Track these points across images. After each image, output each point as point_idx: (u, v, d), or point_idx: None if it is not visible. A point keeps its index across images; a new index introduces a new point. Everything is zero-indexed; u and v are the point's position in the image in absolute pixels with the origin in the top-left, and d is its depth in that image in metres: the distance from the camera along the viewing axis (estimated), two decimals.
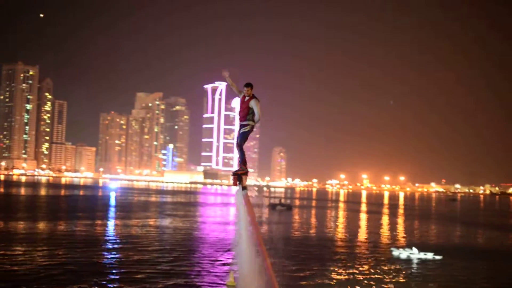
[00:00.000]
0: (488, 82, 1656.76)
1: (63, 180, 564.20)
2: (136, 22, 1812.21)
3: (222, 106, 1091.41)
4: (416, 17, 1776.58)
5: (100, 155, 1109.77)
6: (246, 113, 23.01)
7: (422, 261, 62.66)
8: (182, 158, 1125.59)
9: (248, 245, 23.92)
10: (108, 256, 57.12)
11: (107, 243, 67.49)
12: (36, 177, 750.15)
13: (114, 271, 48.98)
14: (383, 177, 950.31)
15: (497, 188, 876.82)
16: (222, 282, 44.70)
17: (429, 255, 65.12)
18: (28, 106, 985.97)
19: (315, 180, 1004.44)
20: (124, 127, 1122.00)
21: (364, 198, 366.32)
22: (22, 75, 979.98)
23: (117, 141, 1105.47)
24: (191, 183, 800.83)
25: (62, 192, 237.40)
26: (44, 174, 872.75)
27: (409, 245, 73.35)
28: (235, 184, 23.91)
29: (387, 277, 51.64)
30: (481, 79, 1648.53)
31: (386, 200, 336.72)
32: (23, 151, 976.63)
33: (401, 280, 50.90)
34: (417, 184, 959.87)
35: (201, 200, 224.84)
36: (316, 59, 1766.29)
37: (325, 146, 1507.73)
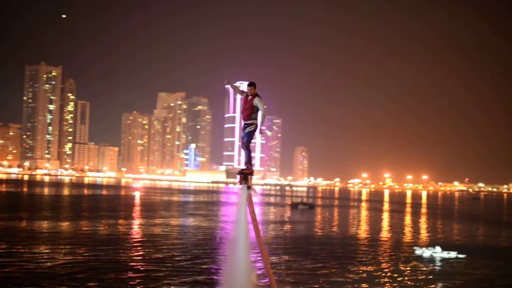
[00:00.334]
0: None
1: (86, 180, 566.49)
2: (159, 24, 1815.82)
3: None
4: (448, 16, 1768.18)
5: (122, 155, 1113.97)
6: (250, 112, 23.06)
7: (445, 260, 62.26)
8: (204, 158, 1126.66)
9: (244, 243, 23.82)
10: (130, 255, 57.23)
11: (130, 242, 67.65)
12: (59, 177, 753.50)
13: (135, 269, 49.07)
14: (406, 176, 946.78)
15: None
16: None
17: (453, 254, 64.69)
18: (51, 107, 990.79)
19: (337, 179, 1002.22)
20: (146, 127, 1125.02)
21: (386, 197, 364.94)
22: (45, 76, 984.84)
23: (139, 141, 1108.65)
24: (213, 182, 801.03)
25: (85, 191, 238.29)
26: (67, 174, 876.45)
27: (432, 244, 72.96)
28: (240, 183, 23.84)
29: (409, 276, 51.35)
30: (506, 77, 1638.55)
31: (408, 199, 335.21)
32: (46, 151, 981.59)
33: (424, 279, 50.58)
34: (440, 183, 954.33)
35: (223, 199, 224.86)
36: (338, 60, 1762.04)
37: (348, 145, 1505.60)
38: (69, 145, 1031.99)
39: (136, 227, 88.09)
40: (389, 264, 57.73)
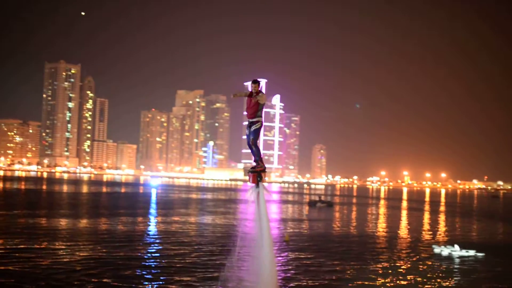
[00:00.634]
0: None
1: (104, 178, 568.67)
2: (177, 21, 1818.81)
3: None
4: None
5: (141, 152, 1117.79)
6: (256, 110, 23.21)
7: (464, 258, 62.03)
8: (223, 155, 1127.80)
9: (267, 241, 24.08)
10: (148, 252, 57.41)
11: (147, 239, 67.88)
12: (78, 174, 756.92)
13: (152, 265, 49.23)
14: (424, 174, 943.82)
15: None
16: None
17: (471, 253, 64.41)
18: (70, 104, 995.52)
19: (355, 177, 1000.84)
20: (165, 124, 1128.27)
21: (405, 195, 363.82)
22: (64, 73, 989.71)
23: (158, 139, 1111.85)
24: (231, 180, 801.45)
25: (104, 189, 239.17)
26: (86, 172, 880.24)
27: (450, 242, 72.64)
28: (254, 182, 23.96)
29: (427, 274, 51.20)
30: None
31: (427, 197, 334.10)
32: (65, 149, 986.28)
33: (442, 277, 50.42)
34: (458, 181, 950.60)
35: (242, 197, 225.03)
36: (357, 60, 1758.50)
37: (366, 143, 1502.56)
38: (88, 142, 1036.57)
39: (154, 225, 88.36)
40: (407, 262, 57.59)
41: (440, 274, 51.67)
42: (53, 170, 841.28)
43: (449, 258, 62.17)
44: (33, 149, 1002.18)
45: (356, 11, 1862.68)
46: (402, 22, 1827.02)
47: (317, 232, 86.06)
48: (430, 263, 58.00)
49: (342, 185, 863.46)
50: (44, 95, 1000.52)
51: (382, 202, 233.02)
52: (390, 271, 51.36)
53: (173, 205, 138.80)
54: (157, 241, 66.96)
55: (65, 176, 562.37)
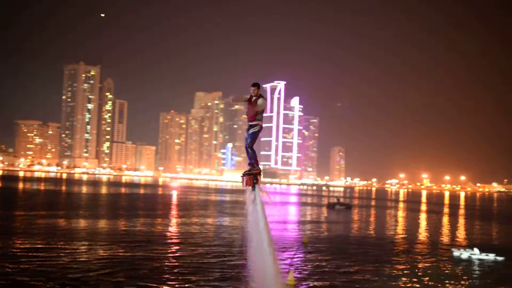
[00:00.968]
0: None
1: (123, 179, 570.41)
2: (195, 22, 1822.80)
3: (281, 105, 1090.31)
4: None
5: (160, 154, 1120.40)
6: (255, 113, 23.07)
7: (483, 262, 61.69)
8: (241, 157, 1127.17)
9: (265, 243, 24.09)
10: (166, 253, 57.52)
11: (166, 240, 67.99)
12: (97, 175, 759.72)
13: (169, 266, 49.29)
14: (444, 177, 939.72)
15: None
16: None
17: (491, 256, 64.06)
18: (90, 106, 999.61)
19: (374, 180, 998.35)
20: (183, 126, 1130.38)
21: (424, 198, 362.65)
22: (83, 75, 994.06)
23: (176, 140, 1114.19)
24: None
25: (123, 190, 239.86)
26: (105, 173, 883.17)
27: (470, 246, 72.36)
28: (250, 184, 23.97)
29: (446, 277, 50.95)
30: None
31: (446, 200, 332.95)
32: (85, 150, 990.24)
33: (461, 280, 50.17)
34: (478, 184, 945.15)
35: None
36: (377, 62, 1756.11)
37: (385, 145, 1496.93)
38: (107, 144, 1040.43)
39: (173, 226, 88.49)
40: (426, 265, 57.37)
41: (459, 277, 51.44)
42: (72, 171, 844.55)
43: (469, 261, 61.88)
44: (53, 150, 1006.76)
45: (374, 21, 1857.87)
46: (424, 30, 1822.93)
47: (335, 234, 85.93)
48: (449, 266, 57.79)
49: (361, 188, 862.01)
50: (64, 97, 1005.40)
51: (401, 204, 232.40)
52: (408, 274, 51.18)
53: (191, 207, 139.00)
54: (175, 242, 67.13)
55: (84, 177, 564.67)
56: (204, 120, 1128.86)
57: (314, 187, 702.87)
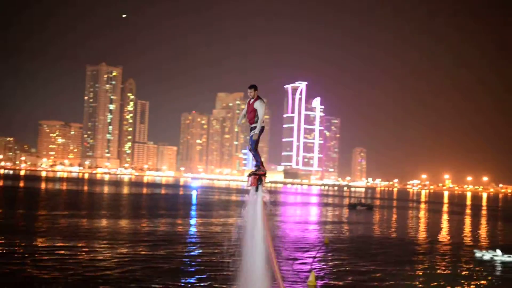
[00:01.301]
0: None
1: (145, 179, 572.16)
2: (217, 22, 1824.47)
3: (302, 105, 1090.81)
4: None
5: (181, 154, 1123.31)
6: (254, 115, 23.03)
7: (506, 263, 61.26)
8: (262, 158, 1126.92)
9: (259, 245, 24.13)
10: (186, 252, 57.62)
11: (187, 240, 68.11)
12: (118, 175, 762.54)
13: (190, 266, 49.33)
14: (466, 178, 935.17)
15: None
16: (303, 282, 44.52)
17: None
18: (111, 106, 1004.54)
19: (396, 180, 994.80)
20: (205, 126, 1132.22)
21: (446, 199, 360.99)
22: (105, 76, 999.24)
23: (198, 141, 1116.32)
24: (270, 182, 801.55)
25: (144, 190, 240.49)
26: (126, 173, 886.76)
27: (492, 247, 71.88)
28: (254, 184, 24.06)
29: (468, 279, 50.56)
30: None
31: (468, 201, 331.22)
32: (107, 150, 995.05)
33: (484, 283, 49.83)
34: (501, 185, 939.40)
35: (281, 199, 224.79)
36: (397, 62, 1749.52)
37: (407, 146, 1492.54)
38: (129, 144, 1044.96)
39: (193, 226, 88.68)
40: (447, 267, 57.01)
41: (482, 279, 51.07)
42: (94, 172, 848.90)
43: (491, 262, 61.43)
44: (75, 150, 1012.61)
45: (405, 20, 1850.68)
46: (449, 27, 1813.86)
47: (356, 235, 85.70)
48: (471, 267, 57.39)
49: (382, 188, 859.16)
50: (86, 97, 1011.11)
51: (422, 205, 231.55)
52: (429, 275, 50.89)
53: (212, 207, 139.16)
54: (196, 241, 67.24)
55: (106, 177, 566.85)
56: (225, 120, 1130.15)
57: (335, 188, 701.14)
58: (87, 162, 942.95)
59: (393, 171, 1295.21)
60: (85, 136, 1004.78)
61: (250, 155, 23.21)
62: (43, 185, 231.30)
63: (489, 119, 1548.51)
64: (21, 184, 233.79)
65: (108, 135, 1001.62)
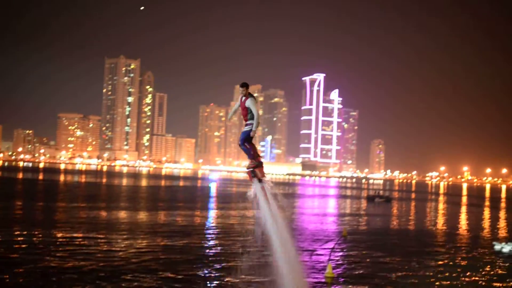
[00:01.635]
0: None
1: (163, 171, 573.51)
2: (235, 15, 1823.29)
3: (320, 97, 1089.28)
4: None
5: (199, 146, 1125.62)
6: (247, 113, 23.17)
7: None
8: (280, 150, 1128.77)
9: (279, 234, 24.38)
10: (204, 244, 57.79)
11: (205, 232, 68.24)
12: (137, 168, 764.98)
13: (210, 259, 49.41)
14: (485, 170, 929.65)
15: None
16: (321, 274, 44.51)
17: None
18: (130, 99, 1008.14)
19: (414, 172, 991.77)
20: (223, 119, 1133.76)
21: (464, 191, 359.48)
22: (124, 68, 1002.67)
23: (216, 133, 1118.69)
24: (288, 174, 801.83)
25: (162, 182, 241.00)
26: (145, 165, 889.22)
27: None
28: (250, 179, 24.24)
29: (487, 272, 50.33)
30: None
31: (487, 193, 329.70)
32: (125, 143, 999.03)
33: (502, 275, 49.58)
34: None
35: (299, 191, 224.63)
36: (416, 54, 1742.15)
37: (425, 138, 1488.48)
38: (147, 136, 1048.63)
39: (212, 218, 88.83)
40: (465, 259, 56.77)
41: (501, 272, 50.85)
42: (112, 164, 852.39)
43: (510, 255, 61.15)
44: (93, 143, 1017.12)
45: (424, 11, 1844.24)
46: (469, 20, 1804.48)
47: (375, 227, 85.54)
48: (490, 260, 57.14)
49: (400, 180, 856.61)
50: (104, 90, 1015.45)
51: (441, 197, 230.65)
52: (448, 268, 50.70)
53: (231, 199, 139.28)
54: (214, 233, 67.45)
55: (125, 169, 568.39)
56: None
57: (354, 180, 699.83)
58: (105, 155, 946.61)
59: (411, 163, 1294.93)
60: (104, 128, 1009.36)
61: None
62: (62, 178, 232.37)
63: (508, 111, 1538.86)
64: (40, 176, 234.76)
65: (126, 128, 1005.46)
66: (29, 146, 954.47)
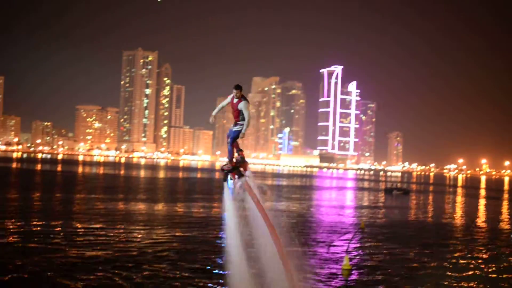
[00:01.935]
0: None
1: (181, 163, 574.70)
2: (252, 7, 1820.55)
3: (338, 90, 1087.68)
4: None
5: (217, 138, 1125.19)
6: (239, 113, 23.33)
7: None
8: (298, 142, 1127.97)
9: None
10: (220, 236, 57.91)
11: (222, 224, 68.38)
12: (155, 160, 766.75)
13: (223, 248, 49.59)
14: (503, 162, 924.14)
15: None
16: (338, 265, 44.52)
17: None
18: (148, 91, 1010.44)
19: (432, 165, 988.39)
20: None
21: (483, 184, 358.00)
22: (141, 60, 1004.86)
23: None
24: (306, 166, 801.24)
25: (180, 174, 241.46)
26: (162, 157, 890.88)
27: None
28: (233, 179, 24.41)
29: (504, 265, 50.19)
30: None
31: (506, 186, 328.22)
32: (143, 135, 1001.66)
33: None
34: None
35: (317, 183, 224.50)
36: (436, 42, 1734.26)
37: (443, 130, 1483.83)
38: (165, 128, 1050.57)
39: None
40: (483, 252, 56.55)
41: None
42: (130, 156, 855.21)
43: None
44: (112, 134, 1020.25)
45: (442, 3, 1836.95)
46: (485, 15, 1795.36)
47: (392, 219, 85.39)
48: (508, 252, 56.95)
49: (418, 173, 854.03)
50: (122, 82, 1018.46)
51: (459, 190, 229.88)
52: (464, 261, 50.54)
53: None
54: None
55: (142, 161, 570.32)
56: (261, 105, 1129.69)
57: (371, 172, 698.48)
58: (123, 147, 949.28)
59: (429, 155, 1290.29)
60: (122, 120, 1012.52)
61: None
62: (80, 169, 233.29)
63: None
64: (59, 168, 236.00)
65: (144, 120, 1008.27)
66: (48, 138, 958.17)
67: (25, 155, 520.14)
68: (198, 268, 41.23)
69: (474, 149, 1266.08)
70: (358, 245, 56.54)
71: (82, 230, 56.55)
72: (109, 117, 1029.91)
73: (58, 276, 36.75)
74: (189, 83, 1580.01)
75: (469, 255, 53.39)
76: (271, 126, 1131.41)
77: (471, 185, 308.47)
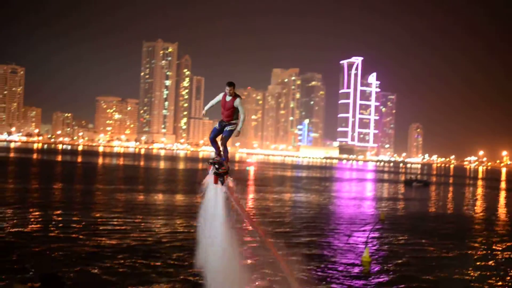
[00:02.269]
0: None
1: (200, 154, 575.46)
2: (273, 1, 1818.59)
3: (358, 81, 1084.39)
4: None
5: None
6: (232, 112, 22.97)
7: None
8: (318, 133, 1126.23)
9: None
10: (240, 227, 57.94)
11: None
12: (174, 151, 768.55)
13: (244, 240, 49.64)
14: None
15: None
16: (358, 258, 44.46)
17: None
18: (167, 82, 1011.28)
19: (452, 157, 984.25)
20: (260, 102, 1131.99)
21: (503, 176, 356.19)
22: (161, 52, 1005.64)
23: (253, 116, 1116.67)
24: (326, 158, 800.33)
25: (200, 165, 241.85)
26: (182, 148, 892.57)
27: None
28: (215, 182, 24.22)
29: None
30: None
31: None
32: (163, 126, 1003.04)
33: None
34: None
35: (337, 175, 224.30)
36: (455, 37, 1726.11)
37: (464, 122, 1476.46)
38: (185, 120, 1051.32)
39: (249, 201, 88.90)
40: (502, 244, 56.28)
41: None
42: (150, 147, 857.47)
43: None
44: (131, 126, 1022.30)
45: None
46: (503, 9, 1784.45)
47: (412, 211, 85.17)
48: None
49: (438, 165, 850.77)
50: (142, 73, 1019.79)
51: (479, 182, 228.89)
52: (485, 253, 50.37)
53: (268, 182, 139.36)
54: (251, 216, 67.51)
55: (162, 152, 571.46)
56: (280, 96, 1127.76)
57: (391, 164, 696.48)
58: (143, 138, 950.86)
59: (449, 147, 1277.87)
60: (141, 112, 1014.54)
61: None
62: (100, 160, 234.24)
63: None
64: (79, 159, 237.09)
65: (164, 111, 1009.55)
66: (68, 129, 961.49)
67: (45, 146, 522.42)
68: None
69: (495, 141, 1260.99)
70: (378, 236, 56.42)
71: (101, 219, 56.91)
72: (129, 108, 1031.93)
73: (77, 264, 37.04)
74: (208, 75, 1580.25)
75: (488, 248, 53.16)
76: (291, 118, 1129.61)
77: (492, 177, 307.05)
